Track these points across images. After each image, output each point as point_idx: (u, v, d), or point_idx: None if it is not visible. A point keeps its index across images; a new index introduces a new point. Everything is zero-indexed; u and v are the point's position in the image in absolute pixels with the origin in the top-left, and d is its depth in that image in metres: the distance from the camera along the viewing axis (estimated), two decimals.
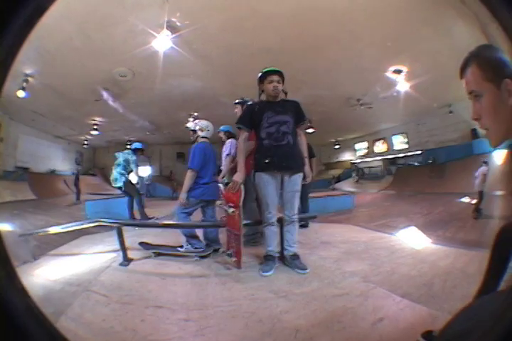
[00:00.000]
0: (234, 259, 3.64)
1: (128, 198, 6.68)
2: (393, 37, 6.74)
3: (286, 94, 3.76)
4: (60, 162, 9.43)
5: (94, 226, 4.36)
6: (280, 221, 3.70)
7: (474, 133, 8.41)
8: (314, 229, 5.63)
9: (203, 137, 4.55)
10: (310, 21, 6.23)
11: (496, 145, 1.21)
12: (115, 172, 6.54)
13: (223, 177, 4.83)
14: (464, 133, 8.68)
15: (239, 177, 3.59)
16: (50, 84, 7.05)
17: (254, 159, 3.69)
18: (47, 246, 4.40)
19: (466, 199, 7.26)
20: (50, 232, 4.28)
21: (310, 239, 4.88)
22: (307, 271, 3.37)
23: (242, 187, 3.67)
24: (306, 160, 3.76)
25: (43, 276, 3.43)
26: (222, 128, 5.20)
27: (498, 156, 7.32)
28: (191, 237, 4.21)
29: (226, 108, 5.19)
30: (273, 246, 3.62)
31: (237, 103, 4.69)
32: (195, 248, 4.16)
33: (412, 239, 4.92)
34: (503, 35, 0.90)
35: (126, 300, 2.78)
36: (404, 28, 6.49)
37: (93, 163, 10.50)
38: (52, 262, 3.96)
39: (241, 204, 3.67)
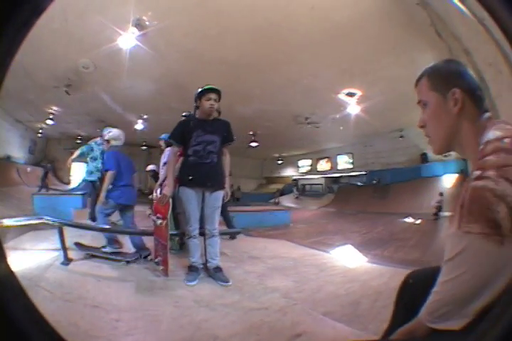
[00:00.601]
0: (161, 268, 3.75)
1: (92, 197, 6.01)
2: (353, 60, 6.72)
3: (219, 113, 3.92)
4: (16, 149, 8.79)
5: (39, 223, 4.35)
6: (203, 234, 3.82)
7: (424, 158, 8.47)
8: (246, 244, 5.52)
9: (115, 146, 4.71)
10: (271, 37, 6.17)
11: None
12: (92, 167, 6.04)
13: (161, 184, 4.75)
14: (413, 157, 8.71)
15: (168, 191, 3.69)
16: (24, 62, 6.51)
17: (180, 174, 3.83)
18: None
19: (409, 220, 7.23)
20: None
21: (238, 252, 4.80)
22: (229, 283, 3.46)
23: (171, 200, 3.78)
24: (228, 179, 3.89)
25: None
26: (162, 136, 5.17)
27: (449, 180, 7.51)
28: (110, 239, 4.36)
29: (175, 114, 5.06)
30: (196, 258, 3.72)
31: (183, 116, 4.65)
32: (115, 248, 4.32)
33: (346, 258, 4.82)
34: (502, 36, 0.84)
35: (67, 297, 2.91)
36: (366, 53, 6.48)
37: (44, 155, 9.60)
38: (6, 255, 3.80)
39: (169, 216, 3.83)
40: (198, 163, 3.67)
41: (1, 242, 0.88)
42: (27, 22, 0.81)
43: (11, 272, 0.82)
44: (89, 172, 6.05)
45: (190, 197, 3.64)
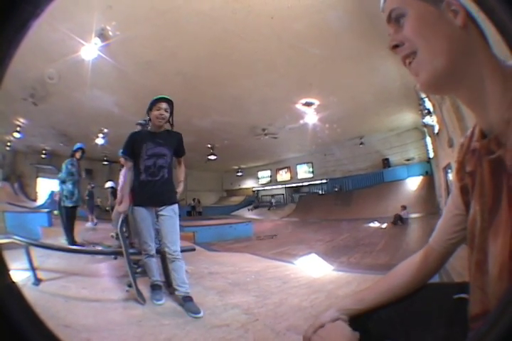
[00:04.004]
0: (131, 290, 3.50)
1: (67, 220, 5.69)
2: (311, 70, 6.72)
3: (172, 125, 3.67)
4: None
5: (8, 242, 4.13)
6: (159, 252, 3.70)
7: (386, 163, 8.64)
8: (207, 259, 5.42)
9: None
10: (229, 48, 6.16)
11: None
12: (62, 190, 5.62)
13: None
14: (375, 163, 8.92)
15: (120, 207, 3.59)
16: None
17: (132, 193, 3.63)
18: None
19: (374, 224, 7.30)
20: None
21: (198, 268, 4.66)
22: (200, 314, 3.04)
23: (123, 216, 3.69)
24: (183, 184, 3.76)
25: None
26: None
27: (413, 183, 7.62)
28: None
29: (133, 128, 4.86)
30: (157, 276, 3.59)
31: (138, 124, 4.48)
32: None
33: (311, 267, 4.72)
34: (501, 38, 0.67)
35: (43, 316, 2.54)
36: (325, 62, 6.50)
37: (12, 169, 9.54)
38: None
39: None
40: (149, 181, 3.47)
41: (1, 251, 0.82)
42: (26, 22, 0.76)
43: (9, 276, 0.78)
44: (65, 197, 5.65)
45: (144, 216, 3.47)
